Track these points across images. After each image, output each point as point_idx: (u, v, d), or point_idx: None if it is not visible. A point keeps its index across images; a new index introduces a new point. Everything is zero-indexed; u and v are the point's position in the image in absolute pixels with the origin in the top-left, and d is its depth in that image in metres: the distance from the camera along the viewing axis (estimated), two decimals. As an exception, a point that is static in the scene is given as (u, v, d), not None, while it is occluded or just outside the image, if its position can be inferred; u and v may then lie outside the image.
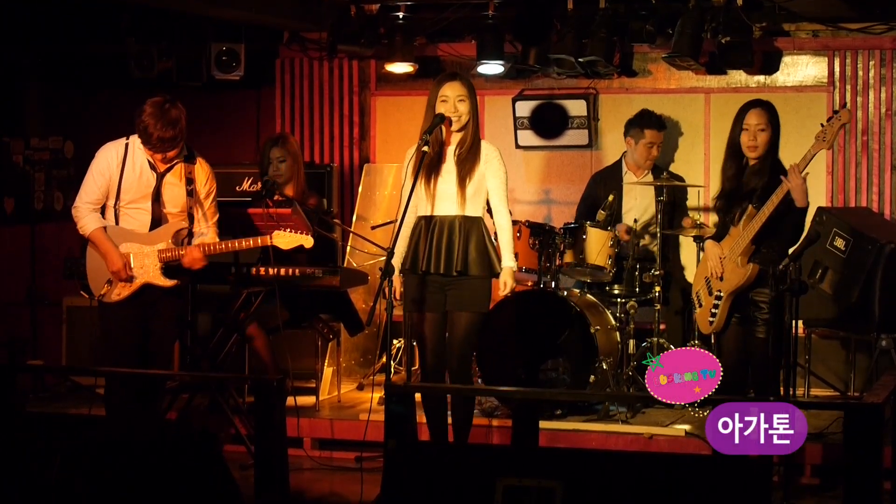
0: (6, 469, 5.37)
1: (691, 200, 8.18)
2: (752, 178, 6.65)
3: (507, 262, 6.43)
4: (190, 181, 6.52)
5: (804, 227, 6.60)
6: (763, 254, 6.59)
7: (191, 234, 6.56)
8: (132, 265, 6.45)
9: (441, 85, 6.29)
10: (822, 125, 6.52)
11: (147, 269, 6.48)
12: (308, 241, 6.65)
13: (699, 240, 7.41)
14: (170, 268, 6.49)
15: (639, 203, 8.17)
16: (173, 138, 6.33)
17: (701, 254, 7.19)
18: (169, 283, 6.50)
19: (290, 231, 6.65)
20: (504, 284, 6.43)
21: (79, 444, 5.27)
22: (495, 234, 7.52)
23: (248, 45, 9.04)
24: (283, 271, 7.05)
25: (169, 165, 6.47)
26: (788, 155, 6.84)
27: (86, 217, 6.44)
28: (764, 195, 6.56)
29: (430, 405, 6.36)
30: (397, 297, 6.42)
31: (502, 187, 6.33)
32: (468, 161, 6.26)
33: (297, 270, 7.07)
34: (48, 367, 9.09)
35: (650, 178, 8.11)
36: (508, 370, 7.42)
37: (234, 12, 8.56)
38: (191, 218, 6.54)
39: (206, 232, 6.60)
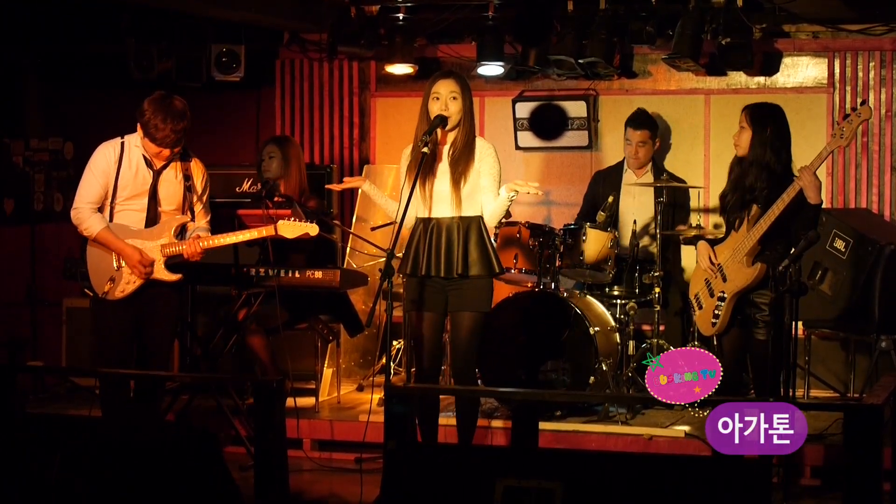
0: (6, 469, 5.37)
1: (692, 202, 8.17)
2: (745, 177, 6.69)
3: (501, 194, 6.19)
4: (188, 177, 6.52)
5: (815, 226, 6.57)
6: (768, 254, 6.61)
7: (185, 230, 6.56)
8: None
9: (434, 83, 6.25)
10: (839, 122, 6.53)
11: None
12: (313, 229, 6.65)
13: (699, 240, 7.41)
14: (172, 262, 6.50)
15: (637, 203, 8.17)
16: (185, 129, 6.36)
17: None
18: (173, 277, 6.50)
19: (294, 220, 6.66)
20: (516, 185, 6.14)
21: (79, 445, 5.27)
22: (496, 234, 7.58)
23: (248, 45, 9.04)
24: (282, 272, 7.05)
25: (165, 162, 6.47)
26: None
27: (89, 219, 6.43)
28: (770, 197, 6.56)
29: (424, 406, 6.32)
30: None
31: (494, 186, 6.26)
32: (462, 161, 6.21)
33: (296, 272, 7.07)
34: (48, 368, 9.09)
35: (650, 178, 8.11)
36: (508, 371, 7.42)
37: (234, 13, 8.56)
38: (191, 213, 6.54)
39: (202, 228, 6.60)
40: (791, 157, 6.72)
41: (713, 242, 6.92)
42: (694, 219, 8.09)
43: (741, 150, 6.72)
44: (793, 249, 6.28)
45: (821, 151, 6.46)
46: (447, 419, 6.52)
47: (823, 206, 8.15)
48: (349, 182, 6.68)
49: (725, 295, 6.70)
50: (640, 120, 8.20)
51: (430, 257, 6.21)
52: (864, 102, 6.74)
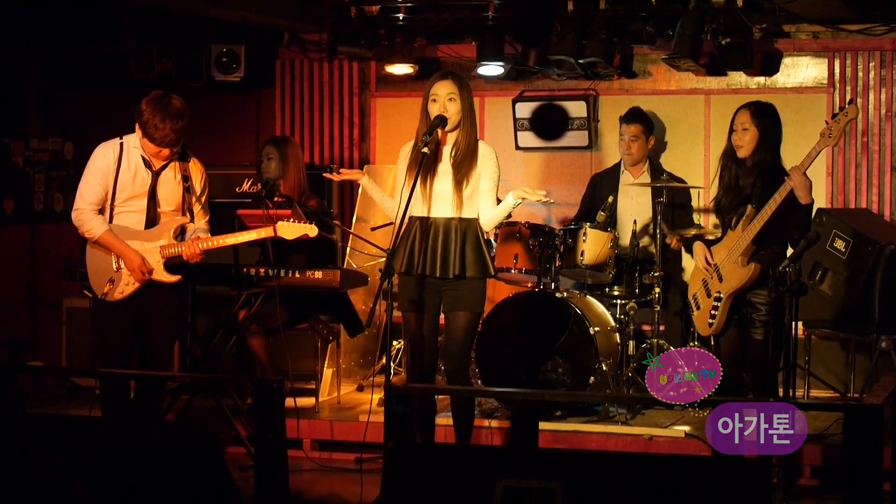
0: (6, 469, 5.37)
1: (692, 201, 8.17)
2: (744, 178, 6.71)
3: (508, 200, 6.19)
4: (186, 178, 6.52)
5: (809, 226, 6.61)
6: (763, 254, 6.62)
7: (185, 231, 6.56)
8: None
9: (433, 84, 6.25)
10: (827, 122, 6.55)
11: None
12: (312, 230, 6.65)
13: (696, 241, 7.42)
14: (172, 263, 6.50)
15: (635, 203, 8.16)
16: (184, 129, 6.35)
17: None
18: (172, 278, 6.50)
19: (294, 221, 6.66)
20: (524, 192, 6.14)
21: (79, 445, 5.27)
22: (496, 235, 7.58)
23: (249, 45, 9.04)
24: (282, 272, 7.05)
25: (164, 163, 6.47)
26: (788, 156, 6.87)
27: (91, 221, 6.42)
28: (764, 196, 6.59)
29: (421, 406, 6.31)
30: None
31: (494, 190, 6.27)
32: (465, 163, 6.21)
33: (296, 272, 7.07)
34: (48, 368, 9.09)
35: (646, 178, 8.12)
36: (508, 371, 7.42)
37: (234, 13, 8.56)
38: (190, 214, 6.54)
39: (202, 228, 6.60)
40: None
41: (711, 243, 6.93)
42: (694, 218, 8.10)
43: (745, 152, 6.73)
44: (790, 250, 6.29)
45: (810, 151, 6.48)
46: (444, 419, 6.52)
47: (824, 206, 8.21)
48: (347, 174, 6.68)
49: (721, 295, 6.71)
50: (633, 114, 8.23)
51: (427, 257, 6.21)
52: (851, 101, 6.77)
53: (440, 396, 6.86)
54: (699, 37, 8.20)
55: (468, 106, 6.24)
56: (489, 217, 6.27)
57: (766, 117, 6.73)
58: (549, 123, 8.99)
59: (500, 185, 6.35)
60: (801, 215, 6.55)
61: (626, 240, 7.90)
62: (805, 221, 6.59)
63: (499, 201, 6.32)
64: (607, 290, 7.83)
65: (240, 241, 6.64)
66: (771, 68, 8.68)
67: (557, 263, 7.59)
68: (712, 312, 6.77)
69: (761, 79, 8.69)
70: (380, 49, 8.90)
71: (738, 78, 8.71)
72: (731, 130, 6.81)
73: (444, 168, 6.24)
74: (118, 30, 9.00)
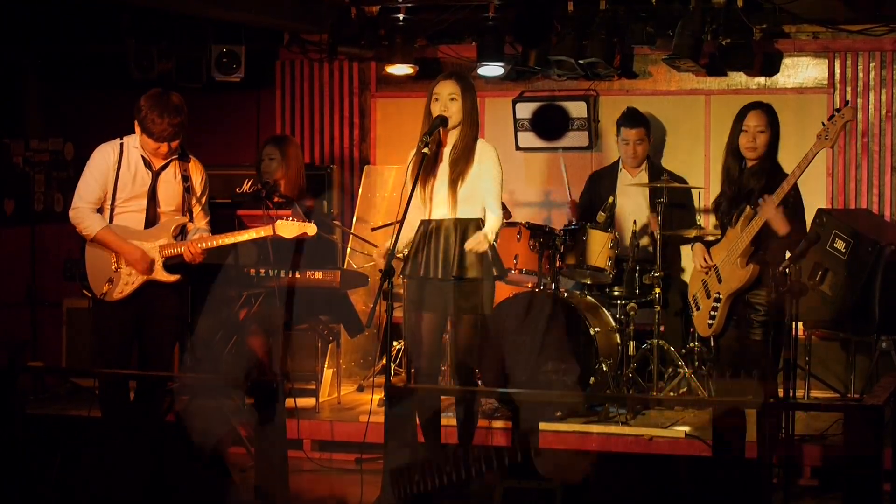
0: (6, 469, 5.38)
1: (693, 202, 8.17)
2: (750, 179, 6.72)
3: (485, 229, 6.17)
4: (186, 178, 6.53)
5: (805, 226, 6.61)
6: (762, 254, 6.62)
7: (185, 232, 6.56)
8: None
9: (436, 84, 6.27)
10: (824, 123, 6.56)
11: None
12: (311, 229, 6.66)
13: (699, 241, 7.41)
14: (171, 263, 6.50)
15: (633, 203, 8.16)
16: (182, 124, 6.37)
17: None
18: (171, 278, 6.51)
19: (293, 220, 6.66)
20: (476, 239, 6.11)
21: (79, 445, 5.27)
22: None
23: (249, 46, 9.03)
24: (282, 272, 7.04)
25: (164, 163, 6.48)
26: (788, 156, 6.87)
27: (88, 218, 6.43)
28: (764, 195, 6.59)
29: (425, 406, 6.31)
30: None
31: (495, 188, 6.26)
32: (460, 163, 6.21)
33: (296, 272, 7.07)
34: (49, 368, 9.08)
35: (645, 177, 8.11)
36: (508, 371, 7.42)
37: (234, 13, 8.56)
38: (189, 214, 6.55)
39: (202, 229, 6.60)
40: None
41: (711, 244, 6.94)
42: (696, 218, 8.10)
43: (757, 153, 6.70)
44: (788, 253, 6.30)
45: (807, 153, 6.48)
46: (447, 419, 6.52)
47: (824, 206, 8.22)
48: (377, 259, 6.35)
49: (721, 296, 6.71)
50: (635, 118, 8.21)
51: (429, 259, 6.21)
52: (847, 103, 6.78)
53: (443, 397, 6.86)
54: (699, 37, 8.19)
55: (470, 106, 6.24)
56: (489, 224, 6.25)
57: (776, 119, 6.75)
58: (549, 124, 8.99)
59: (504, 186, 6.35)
60: (785, 242, 6.53)
61: (625, 240, 7.90)
62: (793, 246, 6.54)
63: (504, 205, 6.32)
64: (607, 290, 7.83)
65: (239, 241, 6.64)
66: (771, 69, 8.67)
67: (557, 263, 7.59)
68: (711, 313, 6.77)
69: (761, 79, 8.69)
70: (380, 49, 8.89)
71: (738, 78, 8.71)
72: (741, 131, 6.75)
73: (443, 169, 6.24)
74: (118, 30, 8.99)
